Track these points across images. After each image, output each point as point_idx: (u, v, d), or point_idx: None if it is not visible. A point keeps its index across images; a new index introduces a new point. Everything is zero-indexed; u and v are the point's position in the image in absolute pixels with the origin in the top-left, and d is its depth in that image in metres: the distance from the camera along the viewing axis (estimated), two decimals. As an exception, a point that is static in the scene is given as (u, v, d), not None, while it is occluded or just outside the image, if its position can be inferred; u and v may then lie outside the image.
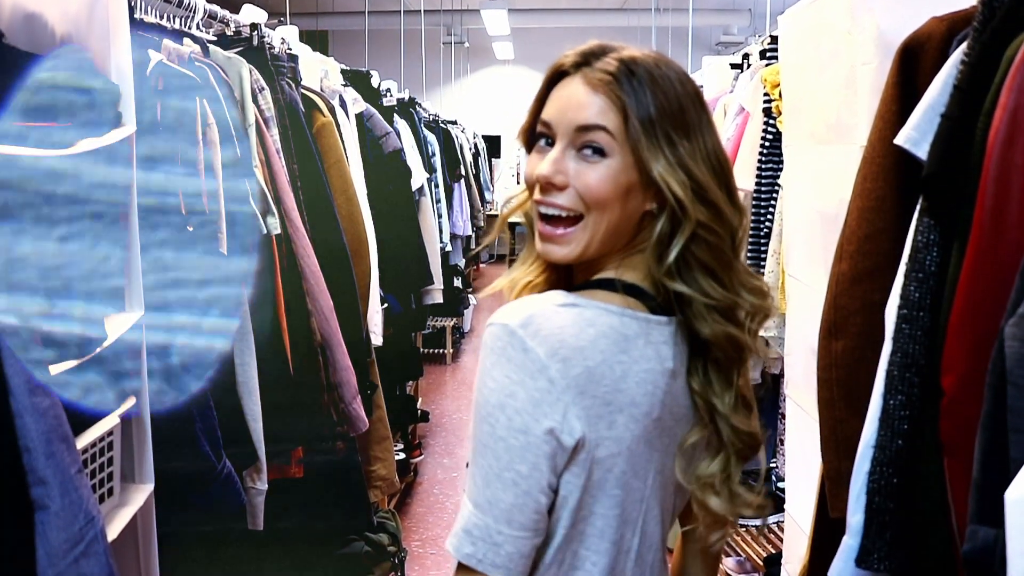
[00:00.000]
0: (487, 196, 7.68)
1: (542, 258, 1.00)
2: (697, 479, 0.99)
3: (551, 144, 0.97)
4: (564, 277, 1.07)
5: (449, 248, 4.73)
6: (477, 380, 0.91)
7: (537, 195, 0.97)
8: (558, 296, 0.93)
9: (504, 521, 0.89)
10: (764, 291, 1.00)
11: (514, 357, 0.88)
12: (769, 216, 2.37)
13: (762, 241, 2.39)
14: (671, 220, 0.94)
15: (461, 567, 0.91)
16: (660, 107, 0.93)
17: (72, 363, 1.29)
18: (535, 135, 1.00)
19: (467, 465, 1.04)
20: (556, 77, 0.99)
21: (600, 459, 0.92)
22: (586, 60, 0.96)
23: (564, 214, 0.95)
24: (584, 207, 0.94)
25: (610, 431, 0.92)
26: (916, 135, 1.18)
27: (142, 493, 1.52)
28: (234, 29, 2.16)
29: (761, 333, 2.40)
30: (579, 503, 0.93)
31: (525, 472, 0.88)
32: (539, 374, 0.88)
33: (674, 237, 0.94)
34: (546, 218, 0.97)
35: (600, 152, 0.93)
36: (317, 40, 7.68)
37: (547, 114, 0.98)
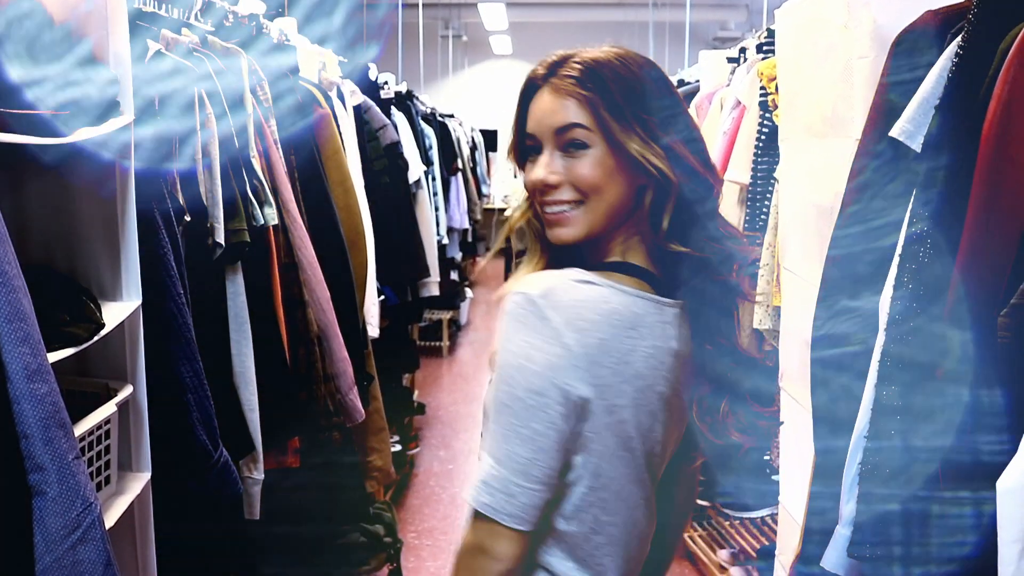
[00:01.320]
0: (484, 190, 7.67)
1: (554, 242, 1.09)
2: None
3: (540, 152, 1.08)
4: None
5: (446, 241, 4.72)
6: (497, 343, 1.00)
7: (539, 198, 1.08)
8: (576, 273, 1.02)
9: (520, 474, 0.97)
10: (740, 237, 1.10)
11: (534, 324, 0.97)
12: (765, 209, 2.38)
13: (758, 234, 2.39)
14: (658, 189, 1.04)
15: (477, 517, 1.00)
16: (625, 94, 1.03)
17: (70, 351, 1.29)
18: (525, 149, 1.10)
19: (482, 435, 1.11)
20: (529, 91, 1.09)
21: (611, 424, 1.02)
22: (551, 71, 1.07)
23: (567, 208, 1.06)
24: (582, 194, 1.05)
25: (620, 399, 1.01)
26: (911, 127, 1.18)
27: (139, 481, 1.52)
28: (233, 20, 2.16)
29: (756, 326, 2.39)
30: (595, 466, 1.03)
31: (540, 430, 0.97)
32: (555, 340, 0.97)
33: (665, 204, 1.04)
34: (551, 213, 1.07)
35: (582, 145, 1.04)
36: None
37: (530, 127, 1.09)
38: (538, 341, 0.96)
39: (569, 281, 1.00)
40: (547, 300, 0.97)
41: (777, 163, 2.17)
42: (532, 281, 1.00)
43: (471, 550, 1.01)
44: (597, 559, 1.07)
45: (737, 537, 3.09)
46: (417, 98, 4.50)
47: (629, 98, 1.03)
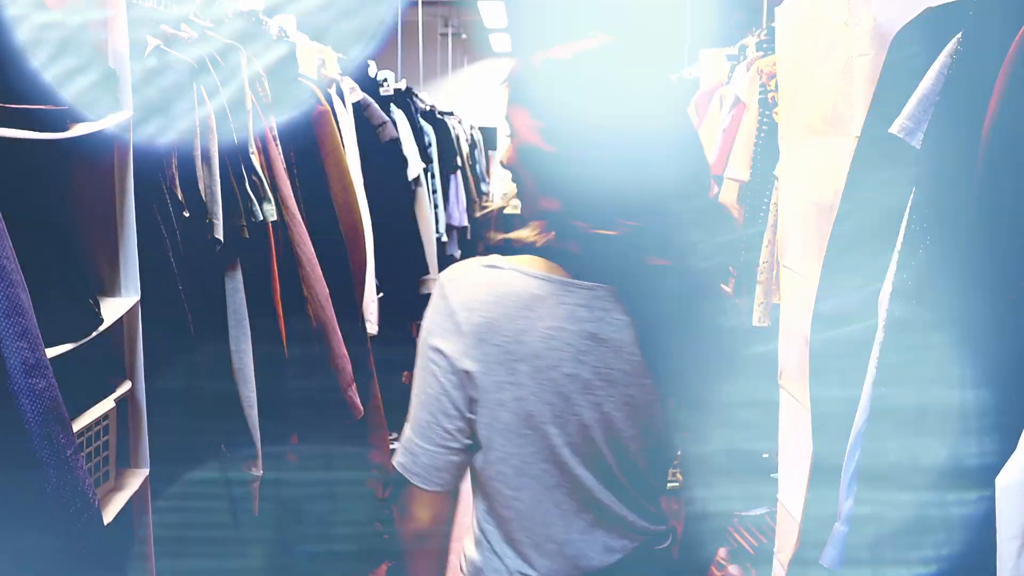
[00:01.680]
0: (483, 188, 7.66)
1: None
2: None
3: None
4: None
5: (445, 239, 4.72)
6: None
7: None
8: (489, 259, 1.10)
9: (421, 436, 1.09)
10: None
11: (437, 303, 1.08)
12: (764, 207, 2.38)
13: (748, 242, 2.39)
14: (530, 156, 1.07)
15: (405, 482, 1.11)
16: (546, 83, 1.05)
17: (69, 346, 1.29)
18: None
19: None
20: None
21: (504, 402, 1.07)
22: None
23: (517, 187, 1.14)
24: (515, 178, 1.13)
25: (511, 377, 1.06)
26: (911, 124, 1.18)
27: (138, 477, 1.52)
28: (232, 16, 2.15)
29: (756, 324, 2.38)
30: (486, 439, 1.09)
31: (432, 394, 1.08)
32: (449, 318, 1.06)
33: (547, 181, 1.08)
34: None
35: (512, 135, 1.12)
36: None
37: None
38: (438, 318, 1.07)
39: (477, 266, 1.09)
40: (451, 283, 1.07)
41: (776, 160, 2.17)
42: (452, 268, 1.10)
43: (399, 513, 1.11)
44: (511, 533, 1.13)
45: (735, 535, 3.09)
46: (416, 96, 4.50)
47: (548, 86, 1.05)
